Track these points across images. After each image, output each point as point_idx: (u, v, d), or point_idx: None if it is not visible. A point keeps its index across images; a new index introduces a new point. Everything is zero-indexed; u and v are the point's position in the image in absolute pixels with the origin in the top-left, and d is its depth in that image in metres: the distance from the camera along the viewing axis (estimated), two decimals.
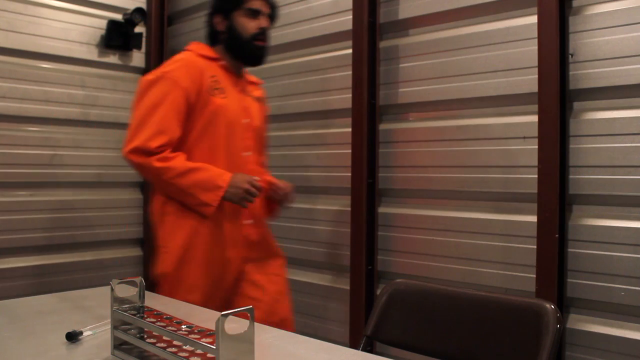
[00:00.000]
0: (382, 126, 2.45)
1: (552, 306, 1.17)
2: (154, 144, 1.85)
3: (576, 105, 1.92)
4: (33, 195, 2.98)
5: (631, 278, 1.77)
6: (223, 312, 0.83)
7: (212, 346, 0.86)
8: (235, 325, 0.85)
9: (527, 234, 1.98)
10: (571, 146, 1.91)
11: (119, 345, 1.04)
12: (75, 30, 3.12)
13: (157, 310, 1.04)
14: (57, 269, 3.04)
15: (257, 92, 2.19)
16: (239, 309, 0.87)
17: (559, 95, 1.88)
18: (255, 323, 0.90)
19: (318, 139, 2.68)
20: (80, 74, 3.15)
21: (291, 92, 2.75)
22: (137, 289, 1.07)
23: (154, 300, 1.23)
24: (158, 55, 3.42)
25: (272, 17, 2.09)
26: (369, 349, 1.39)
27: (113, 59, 3.30)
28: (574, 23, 1.90)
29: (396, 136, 2.41)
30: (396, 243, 2.39)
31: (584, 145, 1.88)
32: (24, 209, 2.94)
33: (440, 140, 2.25)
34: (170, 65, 1.95)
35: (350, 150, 2.45)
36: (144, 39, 3.40)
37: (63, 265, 3.07)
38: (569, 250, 1.91)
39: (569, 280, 1.91)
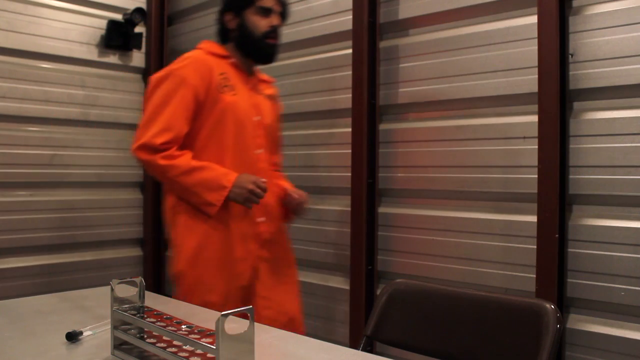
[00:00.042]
0: (382, 126, 2.45)
1: (552, 306, 1.17)
2: (159, 140, 1.86)
3: (576, 105, 1.92)
4: (33, 195, 2.98)
5: (631, 278, 1.78)
6: (223, 312, 0.83)
7: (212, 346, 0.86)
8: (235, 325, 0.85)
9: (527, 234, 1.98)
10: (571, 146, 1.91)
11: (119, 345, 1.04)
12: (75, 30, 3.12)
13: (157, 310, 1.04)
14: (57, 269, 3.04)
15: (270, 90, 2.18)
16: (239, 309, 0.87)
17: (559, 95, 1.88)
18: (255, 323, 0.90)
19: (318, 139, 2.68)
20: (80, 74, 3.15)
21: (291, 92, 2.74)
22: (137, 289, 1.07)
23: (154, 300, 1.23)
24: (158, 55, 3.42)
25: (284, 15, 2.08)
26: (369, 349, 1.39)
27: (113, 59, 3.30)
28: (574, 23, 1.90)
29: (396, 136, 2.41)
30: (396, 243, 2.39)
31: (584, 145, 1.88)
32: (24, 209, 2.94)
33: (440, 140, 2.25)
34: (179, 63, 1.96)
35: (350, 150, 2.45)
36: (144, 39, 3.40)
37: (63, 265, 3.07)
38: (569, 250, 1.91)
39: (569, 280, 1.91)
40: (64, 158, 3.09)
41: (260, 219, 2.01)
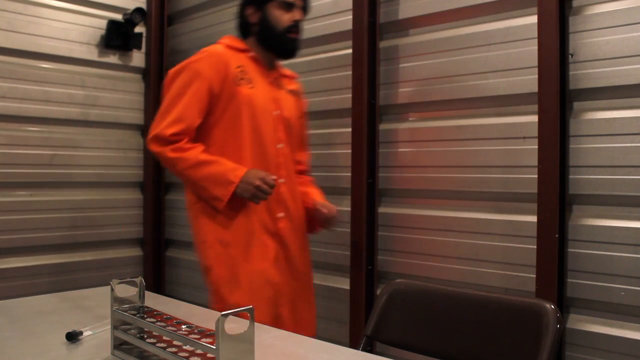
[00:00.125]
0: (382, 126, 2.45)
1: (552, 306, 1.17)
2: (170, 131, 1.88)
3: (576, 105, 1.92)
4: (33, 195, 2.98)
5: (631, 278, 1.77)
6: (223, 312, 0.83)
7: (212, 346, 0.86)
8: (235, 325, 0.85)
9: (527, 234, 1.98)
10: (571, 146, 1.91)
11: (119, 345, 1.04)
12: (75, 30, 3.12)
13: (157, 310, 1.04)
14: (57, 269, 3.04)
15: (293, 86, 2.17)
16: (238, 309, 0.87)
17: (559, 95, 1.88)
18: (256, 323, 0.90)
19: (318, 139, 2.68)
20: (80, 74, 3.15)
21: None
22: (137, 289, 1.07)
23: (154, 300, 1.23)
24: (158, 55, 3.42)
25: (305, 9, 2.08)
26: (369, 349, 1.39)
27: (113, 59, 3.30)
28: (574, 23, 1.90)
29: (396, 136, 2.41)
30: (396, 243, 2.39)
31: (584, 145, 1.88)
32: (24, 209, 2.94)
33: (440, 140, 2.25)
34: (195, 57, 1.97)
35: (350, 150, 2.45)
36: (144, 39, 3.40)
37: (63, 265, 3.07)
38: (569, 250, 1.91)
39: (569, 280, 1.91)
40: (64, 158, 3.09)
41: (280, 215, 2.01)
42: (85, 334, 1.13)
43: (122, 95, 3.32)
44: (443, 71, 2.24)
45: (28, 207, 2.96)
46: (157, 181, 3.41)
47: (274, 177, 1.90)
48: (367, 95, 2.40)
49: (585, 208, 1.90)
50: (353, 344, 2.31)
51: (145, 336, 0.99)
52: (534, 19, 1.94)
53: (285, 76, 2.16)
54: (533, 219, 1.94)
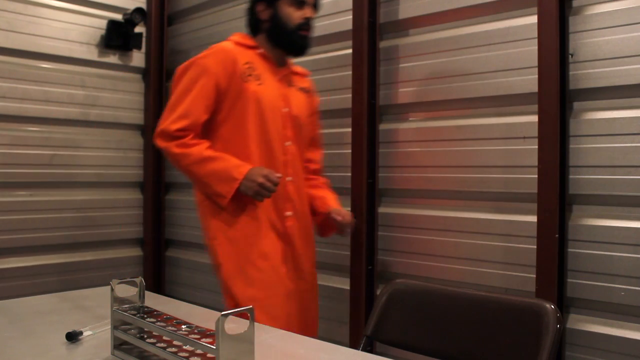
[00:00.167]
0: (382, 126, 2.45)
1: (552, 306, 1.17)
2: (175, 126, 1.88)
3: (576, 105, 1.92)
4: (33, 195, 2.99)
5: (631, 278, 1.78)
6: (223, 312, 0.83)
7: (212, 346, 0.86)
8: (235, 325, 0.85)
9: (527, 234, 1.98)
10: (571, 146, 1.91)
11: (119, 345, 1.04)
12: (75, 30, 3.12)
13: (157, 310, 1.04)
14: (57, 269, 3.05)
15: (304, 83, 2.16)
16: (238, 309, 0.87)
17: (559, 95, 1.88)
18: (256, 323, 0.90)
19: None
20: (80, 74, 3.15)
21: None
22: (137, 289, 1.07)
23: (154, 300, 1.23)
24: (158, 55, 3.42)
25: (316, 6, 2.07)
26: (369, 349, 1.39)
27: (113, 59, 3.30)
28: (574, 23, 1.90)
29: (396, 136, 2.41)
30: (396, 243, 2.39)
31: (584, 145, 1.88)
32: (23, 209, 2.94)
33: (440, 140, 2.25)
34: (203, 53, 1.97)
35: (350, 150, 2.45)
36: (144, 39, 3.40)
37: (63, 265, 3.07)
38: (569, 250, 1.91)
39: (569, 280, 1.91)
40: (64, 158, 3.09)
41: (288, 213, 2.01)
42: (85, 334, 1.13)
43: (122, 95, 3.32)
44: (443, 71, 2.24)
45: (28, 207, 2.96)
46: (157, 181, 3.42)
47: (279, 174, 1.88)
48: (367, 95, 2.40)
49: (585, 208, 1.90)
50: (353, 344, 2.31)
51: (145, 336, 0.99)
52: (534, 19, 1.94)
53: (297, 73, 2.15)
54: (533, 219, 1.94)
